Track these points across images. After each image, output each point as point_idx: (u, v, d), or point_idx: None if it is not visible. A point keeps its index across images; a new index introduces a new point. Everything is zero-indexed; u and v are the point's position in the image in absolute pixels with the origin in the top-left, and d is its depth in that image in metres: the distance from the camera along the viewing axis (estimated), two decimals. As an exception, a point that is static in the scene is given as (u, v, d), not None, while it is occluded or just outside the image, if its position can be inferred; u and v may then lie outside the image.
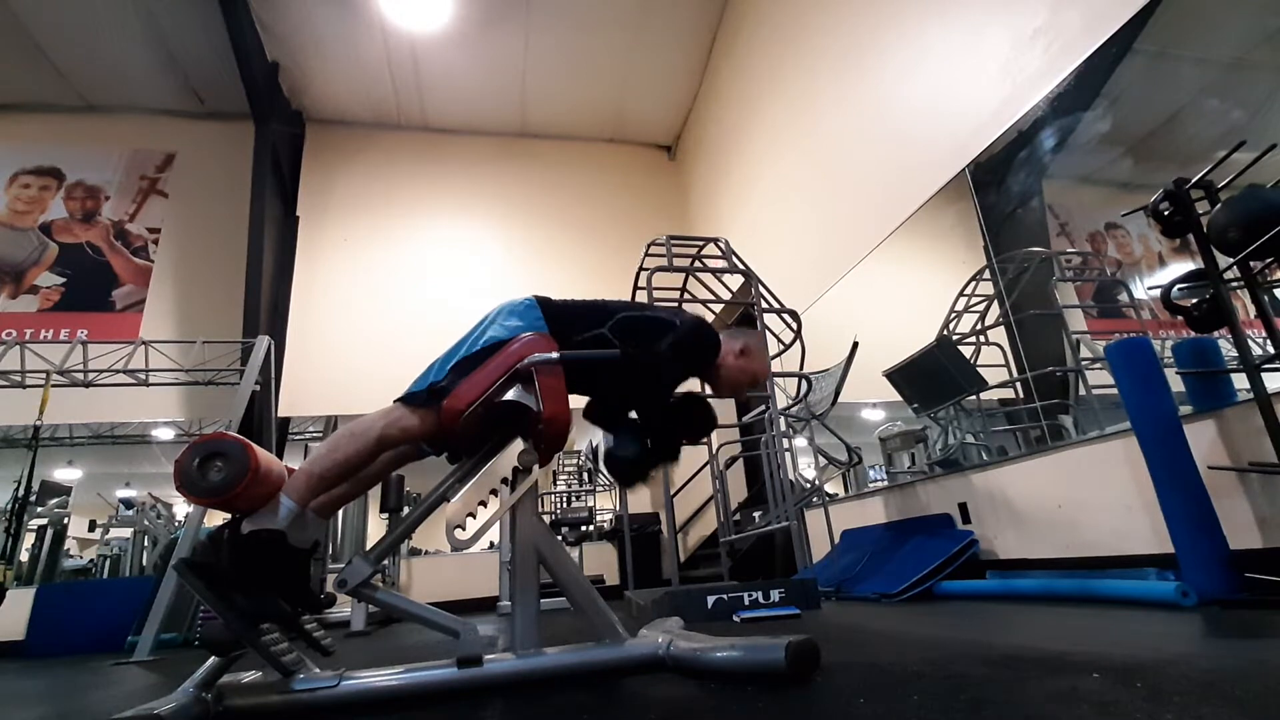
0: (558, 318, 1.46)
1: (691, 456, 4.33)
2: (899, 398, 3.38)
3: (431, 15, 5.41)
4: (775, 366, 3.40)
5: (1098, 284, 2.64)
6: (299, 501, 1.22)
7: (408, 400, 1.34)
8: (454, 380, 1.34)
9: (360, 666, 1.23)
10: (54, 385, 4.06)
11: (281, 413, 5.12)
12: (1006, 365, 2.82)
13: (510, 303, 1.48)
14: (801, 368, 3.60)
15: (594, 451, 6.95)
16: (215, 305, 5.45)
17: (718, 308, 4.73)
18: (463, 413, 1.30)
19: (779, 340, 3.65)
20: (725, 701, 0.97)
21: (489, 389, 1.32)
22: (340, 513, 5.34)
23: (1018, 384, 2.77)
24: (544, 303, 1.49)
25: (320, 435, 5.93)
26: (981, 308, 2.98)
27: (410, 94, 6.23)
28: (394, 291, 5.91)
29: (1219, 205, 1.72)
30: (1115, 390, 1.95)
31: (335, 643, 1.36)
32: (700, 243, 3.61)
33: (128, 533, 6.18)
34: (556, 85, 6.28)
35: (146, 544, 5.94)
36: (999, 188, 2.80)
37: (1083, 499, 2.29)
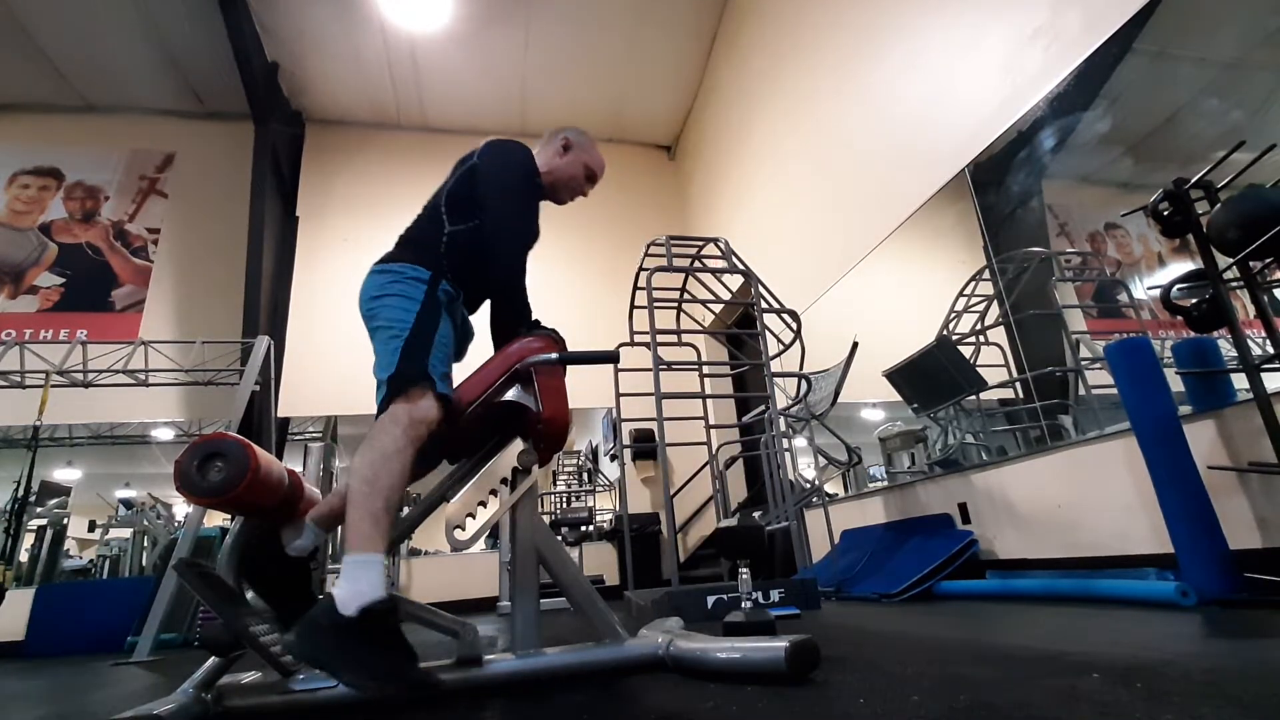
0: (411, 247, 1.47)
1: (692, 456, 4.33)
2: (899, 398, 3.38)
3: (431, 15, 5.40)
4: (775, 366, 3.40)
5: (1097, 284, 2.63)
6: (378, 550, 1.10)
7: (391, 397, 1.23)
8: (412, 363, 1.25)
9: (360, 666, 1.22)
10: (54, 385, 4.06)
11: (281, 413, 5.12)
12: (1006, 365, 2.82)
13: (369, 284, 1.46)
14: (801, 368, 3.60)
15: (594, 451, 6.95)
16: (215, 305, 5.44)
17: (717, 308, 4.74)
18: (463, 412, 1.30)
19: (779, 340, 3.65)
20: (725, 701, 0.97)
21: (489, 389, 1.32)
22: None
23: (1017, 384, 2.76)
24: (388, 257, 1.47)
25: (320, 435, 5.92)
26: (981, 308, 2.97)
27: (410, 94, 6.22)
28: (394, 292, 5.89)
29: (1219, 205, 1.72)
30: (1115, 390, 1.95)
31: (335, 643, 1.35)
32: (700, 243, 3.61)
33: (127, 533, 6.16)
34: (556, 85, 6.27)
35: (146, 544, 5.93)
36: (999, 188, 2.80)
37: (1083, 499, 2.29)
